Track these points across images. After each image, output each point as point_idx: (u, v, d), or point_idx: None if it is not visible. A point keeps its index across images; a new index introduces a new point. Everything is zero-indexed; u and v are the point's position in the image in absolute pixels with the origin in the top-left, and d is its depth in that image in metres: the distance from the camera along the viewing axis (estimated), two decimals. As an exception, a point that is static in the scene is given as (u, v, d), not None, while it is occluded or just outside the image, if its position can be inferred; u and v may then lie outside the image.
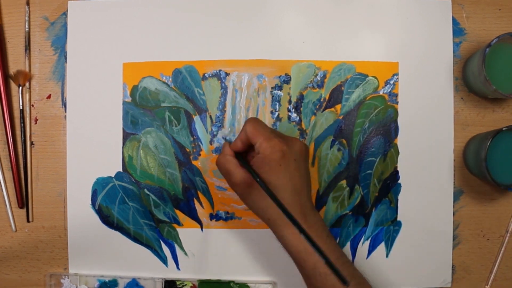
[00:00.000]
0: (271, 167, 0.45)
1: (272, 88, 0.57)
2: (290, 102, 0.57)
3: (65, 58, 0.57)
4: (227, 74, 0.57)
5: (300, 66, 0.57)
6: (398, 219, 0.57)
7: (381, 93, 0.57)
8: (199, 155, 0.57)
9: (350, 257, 0.57)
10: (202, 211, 0.57)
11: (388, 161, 0.57)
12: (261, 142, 0.46)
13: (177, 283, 0.56)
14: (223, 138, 0.56)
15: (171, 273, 0.57)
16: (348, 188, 0.57)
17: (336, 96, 0.57)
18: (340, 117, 0.57)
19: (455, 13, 0.57)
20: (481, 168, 0.52)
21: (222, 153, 0.49)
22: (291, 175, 0.46)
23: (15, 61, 0.58)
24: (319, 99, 0.57)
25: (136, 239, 0.57)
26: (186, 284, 0.56)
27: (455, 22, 0.57)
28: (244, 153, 0.50)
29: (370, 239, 0.57)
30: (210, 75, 0.57)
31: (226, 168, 0.48)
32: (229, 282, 0.57)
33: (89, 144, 0.57)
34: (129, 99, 0.57)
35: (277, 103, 0.57)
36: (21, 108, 0.57)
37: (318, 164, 0.57)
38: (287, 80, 0.57)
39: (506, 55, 0.53)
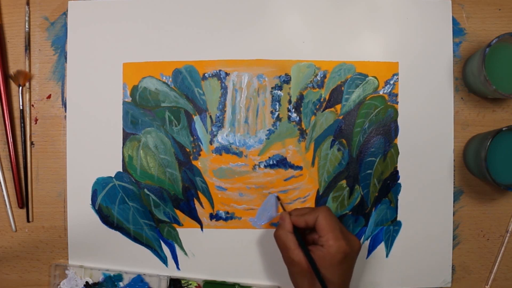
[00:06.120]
0: (331, 264, 0.47)
1: (272, 88, 0.57)
2: (290, 102, 0.57)
3: (65, 58, 0.57)
4: (227, 74, 0.57)
5: (300, 66, 0.57)
6: (398, 219, 0.57)
7: (381, 93, 0.57)
8: (199, 155, 0.57)
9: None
10: (202, 211, 0.57)
11: (388, 161, 0.57)
12: (328, 239, 0.48)
13: (182, 282, 0.57)
14: (276, 197, 0.56)
15: (176, 271, 0.57)
16: (348, 188, 0.57)
17: (336, 96, 0.57)
18: (340, 117, 0.57)
19: (455, 13, 0.57)
20: (481, 168, 0.52)
21: (282, 227, 0.51)
22: (345, 273, 0.49)
23: (15, 61, 0.58)
24: (319, 99, 0.57)
25: (136, 239, 0.57)
26: (191, 284, 0.56)
27: (455, 22, 0.57)
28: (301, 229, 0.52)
29: (370, 239, 0.57)
30: (210, 75, 0.57)
31: (286, 245, 0.49)
32: (234, 284, 0.57)
33: (89, 144, 0.57)
34: (129, 99, 0.57)
35: (277, 103, 0.57)
36: (21, 108, 0.57)
37: (318, 164, 0.57)
38: (287, 80, 0.57)
39: (506, 55, 0.53)
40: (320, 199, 0.57)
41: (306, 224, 0.50)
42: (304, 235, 0.52)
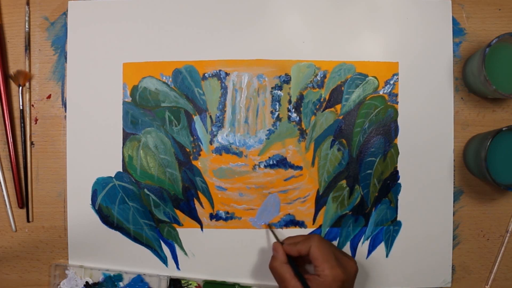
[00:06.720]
0: None
1: (272, 88, 0.57)
2: (290, 102, 0.57)
3: (65, 58, 0.57)
4: (227, 74, 0.57)
5: (300, 66, 0.57)
6: (398, 219, 0.57)
7: (381, 93, 0.57)
8: (199, 155, 0.57)
9: (350, 257, 0.57)
10: (202, 211, 0.57)
11: (388, 161, 0.57)
12: (324, 268, 0.48)
13: (182, 282, 0.57)
14: (271, 231, 0.56)
15: (176, 271, 0.57)
16: (348, 188, 0.57)
17: (336, 96, 0.57)
18: (340, 117, 0.57)
19: (455, 13, 0.57)
20: (481, 168, 0.52)
21: (276, 258, 0.51)
22: None
23: (15, 61, 0.58)
24: (319, 99, 0.57)
25: (136, 239, 0.57)
26: (191, 284, 0.56)
27: (455, 22, 0.57)
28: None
29: (370, 239, 0.57)
30: (210, 75, 0.57)
31: (282, 277, 0.49)
32: (234, 284, 0.57)
33: (89, 144, 0.57)
34: (129, 99, 0.57)
35: (277, 103, 0.57)
36: (21, 108, 0.57)
37: (318, 164, 0.57)
38: (287, 80, 0.57)
39: (506, 55, 0.53)
40: (320, 199, 0.57)
41: (299, 253, 0.50)
42: (298, 263, 0.52)
